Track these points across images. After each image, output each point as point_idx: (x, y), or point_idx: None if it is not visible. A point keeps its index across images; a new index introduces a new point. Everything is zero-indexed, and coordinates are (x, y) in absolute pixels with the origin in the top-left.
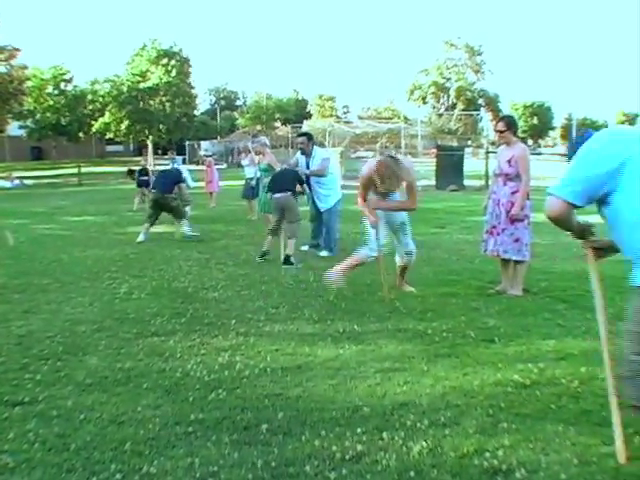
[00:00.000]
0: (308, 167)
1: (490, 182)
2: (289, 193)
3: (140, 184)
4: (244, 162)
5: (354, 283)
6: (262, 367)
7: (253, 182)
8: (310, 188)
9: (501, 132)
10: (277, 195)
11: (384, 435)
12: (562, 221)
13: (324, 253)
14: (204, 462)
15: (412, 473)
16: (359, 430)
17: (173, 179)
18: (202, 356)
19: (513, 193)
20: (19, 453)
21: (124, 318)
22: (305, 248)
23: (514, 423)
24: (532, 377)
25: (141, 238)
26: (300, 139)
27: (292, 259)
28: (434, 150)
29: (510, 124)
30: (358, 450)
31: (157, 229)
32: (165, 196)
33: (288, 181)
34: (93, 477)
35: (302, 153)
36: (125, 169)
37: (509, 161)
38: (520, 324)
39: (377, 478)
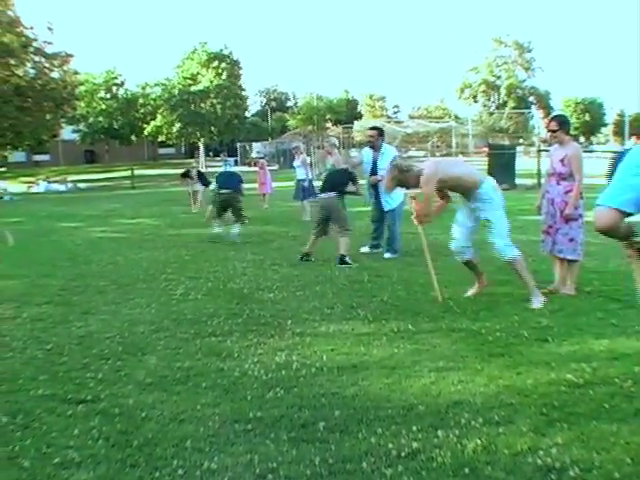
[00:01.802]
0: (375, 163)
1: (543, 181)
2: (333, 194)
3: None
4: (296, 163)
5: (408, 283)
6: (318, 366)
7: (305, 183)
8: (375, 188)
9: (553, 131)
10: (322, 195)
11: (439, 433)
12: (613, 230)
13: (388, 255)
14: (263, 459)
15: (467, 470)
16: (414, 428)
17: (239, 179)
18: (259, 356)
19: (566, 192)
20: (84, 449)
21: (181, 319)
22: (366, 249)
23: (567, 422)
24: (585, 376)
25: (218, 230)
26: (370, 132)
27: (347, 259)
28: (485, 148)
29: (562, 123)
30: (413, 447)
31: (211, 231)
32: (236, 195)
33: (336, 181)
34: (156, 472)
35: (371, 147)
36: (179, 171)
37: (562, 160)
38: (573, 323)
39: (432, 475)
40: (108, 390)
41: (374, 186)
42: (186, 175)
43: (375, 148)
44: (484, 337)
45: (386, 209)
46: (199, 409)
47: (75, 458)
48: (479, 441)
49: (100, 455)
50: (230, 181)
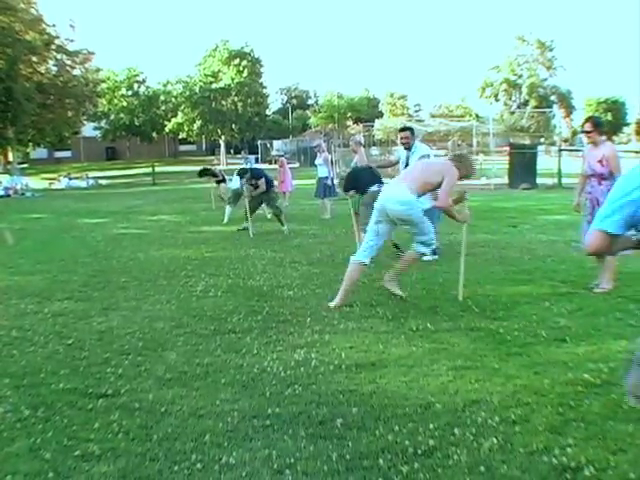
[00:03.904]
0: (408, 163)
1: (579, 180)
2: (376, 187)
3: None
4: (317, 161)
5: (427, 282)
6: (337, 364)
7: (329, 181)
8: None
9: (588, 132)
10: (373, 188)
11: (455, 431)
12: (603, 252)
13: (428, 258)
14: (281, 454)
15: (482, 468)
16: (431, 426)
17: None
18: (278, 353)
19: (609, 191)
20: (104, 442)
21: (201, 315)
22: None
23: (584, 422)
24: (602, 377)
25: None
26: (402, 134)
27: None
28: (506, 148)
29: (596, 124)
30: (430, 445)
31: (231, 227)
32: (268, 191)
33: (356, 179)
34: (175, 466)
35: (405, 148)
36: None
37: (600, 161)
38: (591, 324)
39: (448, 472)
40: (128, 385)
41: None
42: (207, 173)
43: (408, 148)
44: (502, 336)
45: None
46: (218, 405)
47: (95, 451)
48: (495, 440)
49: (120, 448)
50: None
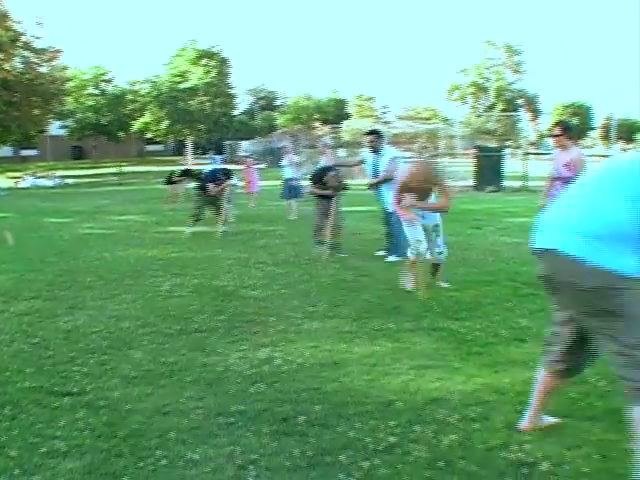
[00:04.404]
0: (376, 166)
1: (546, 183)
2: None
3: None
4: (283, 162)
5: (392, 283)
6: (300, 362)
7: (294, 182)
8: (378, 190)
9: (557, 136)
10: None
11: (416, 428)
12: None
13: (392, 258)
14: (245, 450)
15: (441, 463)
16: (392, 423)
17: (224, 175)
18: (242, 351)
19: None
20: (70, 439)
21: (167, 315)
22: (381, 253)
23: None
24: None
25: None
26: (369, 137)
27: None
28: (472, 150)
29: (566, 129)
30: (391, 442)
31: (197, 228)
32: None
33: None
34: (140, 462)
35: (372, 151)
36: (167, 168)
37: (567, 165)
38: None
39: (408, 468)
40: (94, 383)
41: (377, 188)
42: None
43: (376, 151)
44: (463, 336)
45: (389, 211)
46: (183, 402)
47: (61, 448)
48: (455, 436)
49: (86, 445)
50: (213, 177)
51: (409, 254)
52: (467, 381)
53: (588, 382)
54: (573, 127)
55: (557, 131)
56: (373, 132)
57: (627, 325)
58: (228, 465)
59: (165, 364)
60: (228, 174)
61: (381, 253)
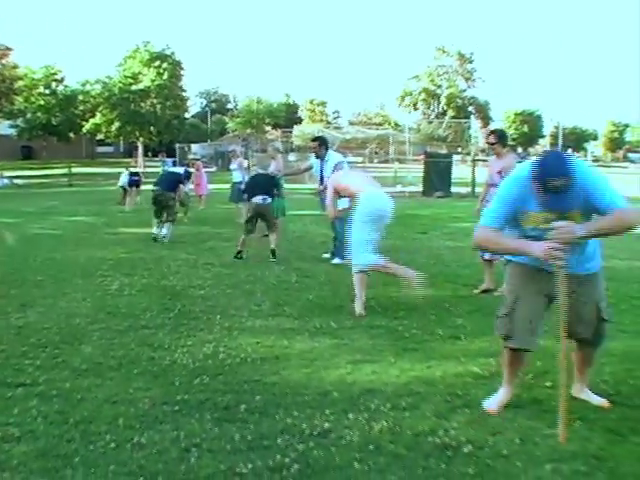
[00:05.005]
0: (322, 171)
1: (482, 189)
2: (269, 199)
3: (131, 184)
4: (232, 166)
5: (334, 284)
6: (243, 357)
7: (241, 186)
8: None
9: (492, 144)
10: (257, 199)
11: (350, 416)
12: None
13: (336, 260)
14: (188, 435)
15: (371, 447)
16: (327, 411)
17: (177, 179)
18: (188, 347)
19: None
20: (23, 425)
21: (116, 312)
22: (327, 256)
23: (468, 408)
24: (491, 370)
25: (157, 232)
26: (312, 144)
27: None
28: (422, 156)
29: (500, 137)
30: (325, 427)
31: (146, 230)
32: (166, 194)
33: (267, 185)
34: (90, 446)
35: (316, 157)
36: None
37: (499, 172)
38: (488, 323)
39: (341, 451)
40: (46, 375)
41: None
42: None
43: (320, 157)
44: (401, 334)
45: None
46: (131, 392)
47: (15, 433)
48: (385, 423)
49: (39, 431)
50: (164, 180)
51: (354, 271)
52: (401, 374)
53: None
54: (507, 135)
55: (492, 139)
56: (317, 139)
57: None
58: (172, 448)
59: (114, 358)
60: (189, 176)
61: (327, 256)
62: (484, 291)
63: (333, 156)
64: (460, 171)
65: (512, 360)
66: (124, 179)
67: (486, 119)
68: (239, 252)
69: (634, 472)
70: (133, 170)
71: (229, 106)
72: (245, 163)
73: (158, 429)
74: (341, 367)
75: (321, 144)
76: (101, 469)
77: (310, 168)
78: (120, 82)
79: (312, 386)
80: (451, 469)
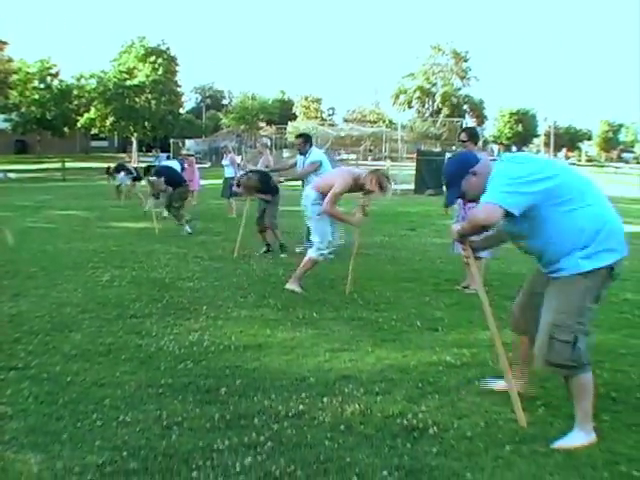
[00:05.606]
0: (303, 167)
1: None
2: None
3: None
4: (224, 162)
5: (319, 277)
6: (226, 344)
7: (233, 181)
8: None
9: (463, 142)
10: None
11: (324, 399)
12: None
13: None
14: (171, 415)
15: (342, 427)
16: (303, 395)
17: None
18: (174, 335)
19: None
20: (15, 404)
21: (106, 302)
22: (300, 250)
23: (438, 394)
24: (463, 359)
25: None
26: (297, 140)
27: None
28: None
29: (471, 135)
30: (300, 409)
31: (138, 224)
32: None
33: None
34: (78, 423)
35: (300, 153)
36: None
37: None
38: (465, 317)
39: (313, 430)
40: (37, 360)
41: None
42: (122, 169)
43: (302, 153)
44: (380, 325)
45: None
46: (118, 376)
47: (8, 412)
48: (357, 406)
49: (30, 410)
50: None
51: (314, 254)
52: (377, 363)
53: (487, 364)
54: (478, 134)
55: (464, 137)
56: (301, 135)
57: None
58: (155, 426)
59: (103, 344)
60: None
61: (300, 249)
62: (466, 287)
63: (312, 153)
64: None
65: (514, 345)
66: (122, 178)
67: (481, 118)
68: (267, 245)
69: (589, 453)
70: (129, 166)
71: (224, 102)
72: (237, 159)
73: (142, 409)
74: (320, 355)
75: (305, 141)
76: (87, 444)
77: (296, 164)
78: (115, 77)
79: (290, 372)
80: (416, 448)
